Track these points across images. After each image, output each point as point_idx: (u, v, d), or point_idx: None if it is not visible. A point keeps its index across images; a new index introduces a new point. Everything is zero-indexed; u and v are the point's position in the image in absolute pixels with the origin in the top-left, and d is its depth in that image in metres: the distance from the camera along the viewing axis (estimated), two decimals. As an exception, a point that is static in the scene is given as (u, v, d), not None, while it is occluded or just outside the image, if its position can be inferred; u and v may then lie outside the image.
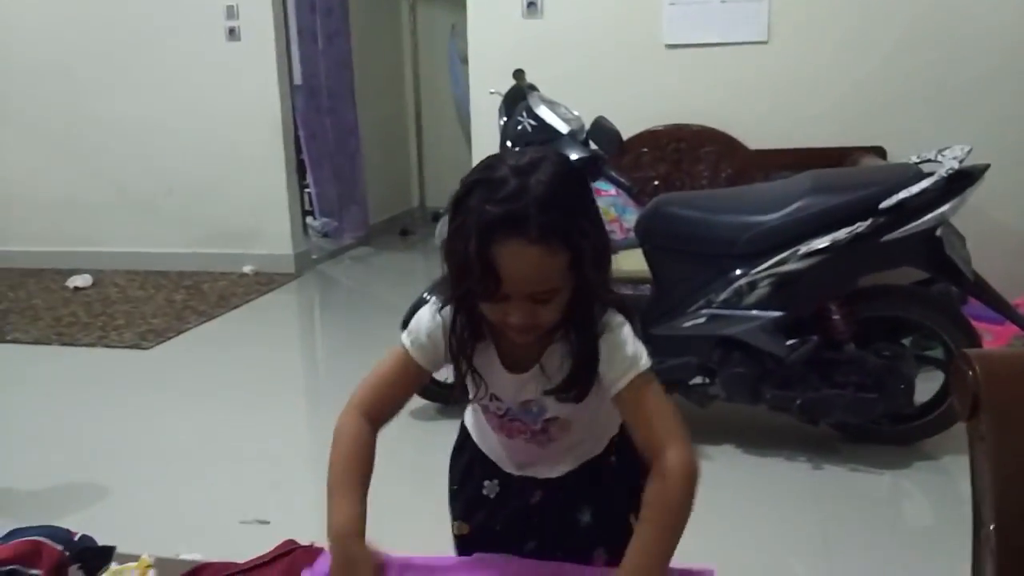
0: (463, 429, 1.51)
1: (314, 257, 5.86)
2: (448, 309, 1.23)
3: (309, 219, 6.16)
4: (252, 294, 5.10)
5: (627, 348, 1.20)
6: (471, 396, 1.31)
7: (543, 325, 1.16)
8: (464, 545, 1.45)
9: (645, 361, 1.20)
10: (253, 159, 5.46)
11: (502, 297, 1.12)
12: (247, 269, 5.53)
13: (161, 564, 1.40)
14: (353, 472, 1.23)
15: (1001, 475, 1.16)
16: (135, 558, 1.41)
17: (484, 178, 1.12)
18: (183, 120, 5.48)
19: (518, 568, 1.21)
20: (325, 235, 6.22)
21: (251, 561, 1.33)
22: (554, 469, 1.38)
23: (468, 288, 1.13)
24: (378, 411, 1.28)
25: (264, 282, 5.34)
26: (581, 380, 1.21)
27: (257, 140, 5.42)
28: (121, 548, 1.40)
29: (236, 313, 4.80)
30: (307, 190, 6.12)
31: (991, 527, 1.17)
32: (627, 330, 1.21)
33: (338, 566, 1.14)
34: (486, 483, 1.43)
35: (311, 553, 1.37)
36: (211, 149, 5.49)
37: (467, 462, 1.48)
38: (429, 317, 1.25)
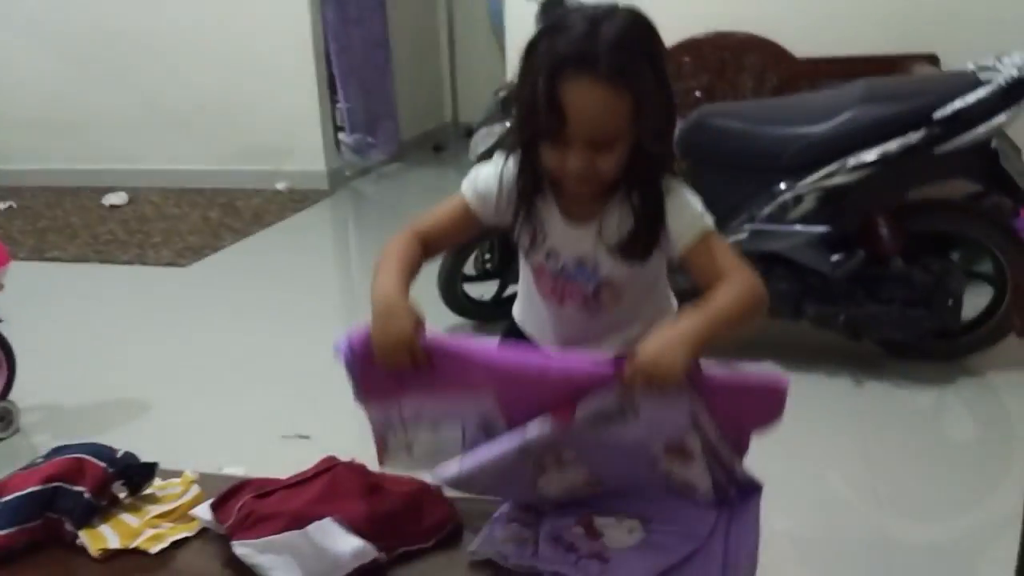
0: (510, 322, 1.51)
1: (347, 174, 5.82)
2: (511, 161, 1.27)
3: (341, 135, 6.09)
4: (286, 211, 5.08)
5: (696, 205, 1.24)
6: (528, 250, 1.32)
7: (601, 175, 1.18)
8: None
9: (711, 219, 1.25)
10: (284, 74, 5.38)
11: (564, 141, 1.14)
12: (281, 186, 5.50)
13: (204, 480, 1.41)
14: (400, 261, 1.26)
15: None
16: (178, 474, 1.43)
17: (555, 24, 1.15)
18: (213, 35, 5.39)
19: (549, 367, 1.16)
20: (358, 151, 6.16)
21: (293, 477, 1.34)
22: (602, 348, 1.33)
23: (533, 129, 1.17)
24: (429, 238, 1.32)
25: (298, 199, 5.31)
26: (643, 237, 1.24)
27: (288, 54, 5.33)
28: (164, 464, 1.41)
29: (271, 231, 4.79)
30: (339, 105, 6.03)
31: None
32: (690, 191, 1.26)
33: (378, 315, 1.18)
34: None
35: (352, 468, 1.37)
36: (241, 64, 5.41)
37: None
38: (490, 169, 1.30)
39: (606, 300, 1.32)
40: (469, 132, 3.18)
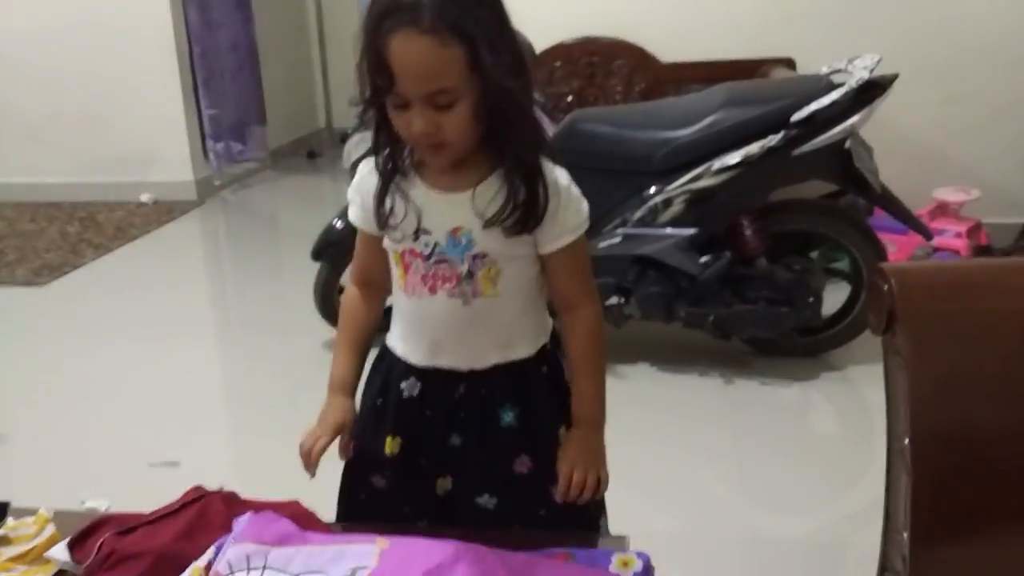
0: (381, 348, 1.41)
1: (217, 183, 5.62)
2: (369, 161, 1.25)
3: (209, 143, 5.89)
4: (152, 224, 4.88)
5: (582, 209, 1.24)
6: (399, 239, 1.25)
7: (449, 138, 1.14)
8: (396, 463, 1.33)
9: (585, 220, 1.25)
10: (146, 79, 5.15)
11: (403, 102, 1.11)
12: (145, 198, 5.26)
13: (60, 517, 1.33)
14: (345, 332, 1.34)
15: (916, 389, 1.17)
16: (32, 512, 1.34)
17: None
18: (67, 37, 5.11)
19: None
20: (226, 159, 5.96)
21: (158, 511, 1.27)
22: (477, 357, 1.28)
23: (373, 93, 1.13)
24: (364, 276, 1.35)
25: (164, 211, 5.10)
26: (520, 210, 1.18)
27: (149, 58, 5.11)
28: (17, 502, 1.32)
29: (136, 245, 4.59)
30: (205, 111, 5.83)
31: (905, 441, 1.18)
32: (577, 189, 1.25)
33: (321, 412, 1.29)
34: (404, 384, 1.32)
35: (222, 498, 1.31)
36: (100, 69, 5.15)
37: (385, 370, 1.37)
38: (362, 175, 1.28)
39: (481, 281, 1.23)
40: (344, 138, 3.12)
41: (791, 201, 2.86)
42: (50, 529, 1.30)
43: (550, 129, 3.33)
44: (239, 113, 5.94)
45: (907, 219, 2.81)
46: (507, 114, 1.15)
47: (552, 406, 1.30)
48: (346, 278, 1.38)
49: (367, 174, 1.27)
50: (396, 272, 1.30)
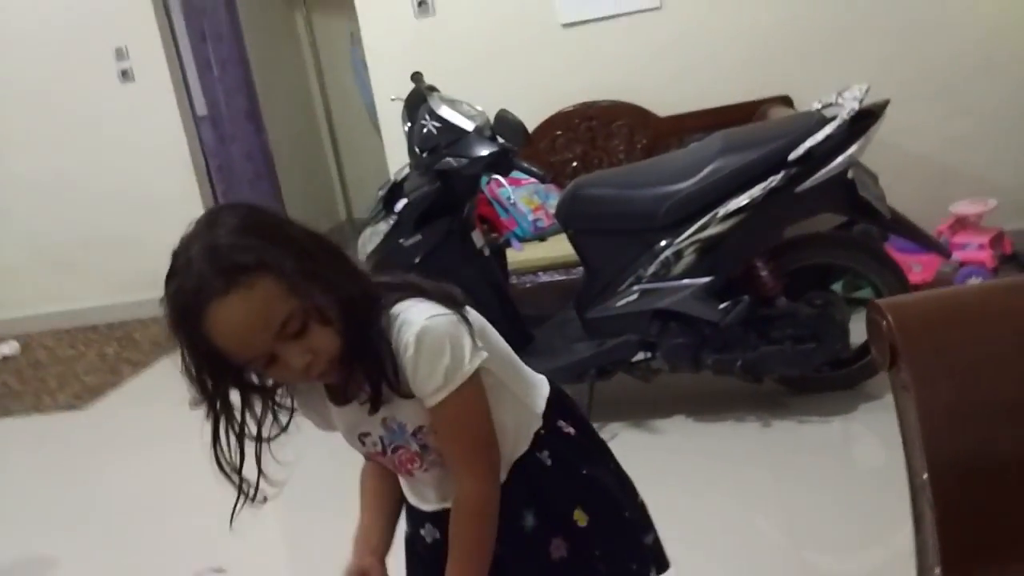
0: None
1: (246, 288, 5.74)
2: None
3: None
4: (187, 335, 4.97)
5: (440, 366, 1.12)
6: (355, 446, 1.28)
7: (328, 355, 1.11)
8: None
9: (453, 374, 1.13)
10: (167, 198, 5.30)
11: (267, 361, 1.08)
12: (179, 310, 5.39)
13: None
14: (364, 497, 1.37)
15: (927, 422, 1.16)
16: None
17: (165, 284, 1.10)
18: (89, 169, 5.29)
19: None
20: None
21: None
22: None
23: (234, 376, 1.11)
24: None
25: (198, 321, 5.20)
26: (375, 386, 1.14)
27: (169, 178, 5.26)
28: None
29: (173, 359, 4.64)
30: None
31: (924, 476, 1.16)
32: (436, 332, 1.12)
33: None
34: (423, 531, 1.36)
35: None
36: (123, 195, 5.31)
37: (409, 517, 1.40)
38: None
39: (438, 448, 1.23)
40: (363, 228, 3.19)
41: (804, 236, 2.85)
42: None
43: (555, 197, 3.38)
44: (260, 216, 6.09)
45: (921, 240, 2.79)
46: (341, 298, 1.11)
47: (563, 492, 1.29)
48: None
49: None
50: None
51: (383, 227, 3.03)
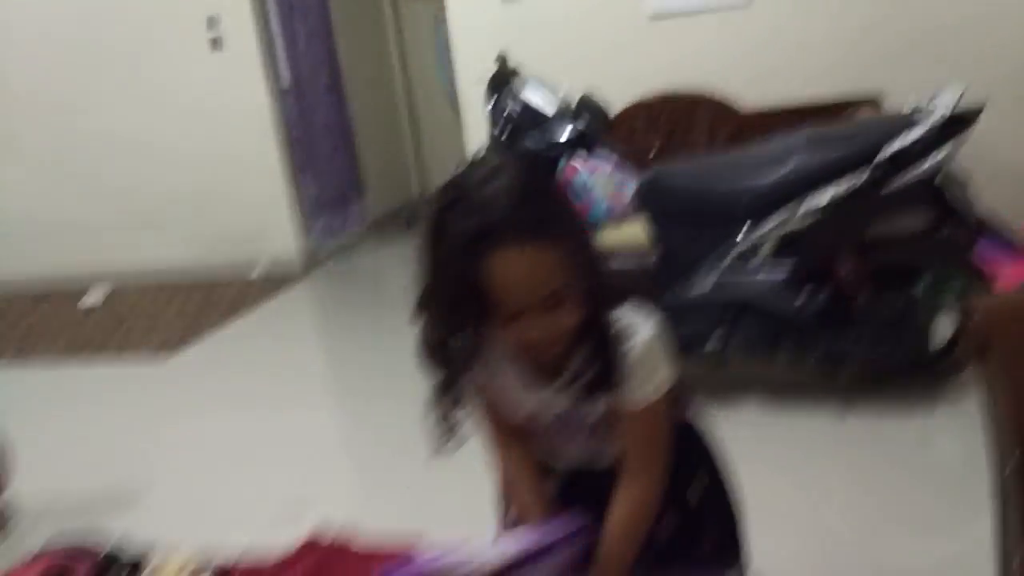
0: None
1: (320, 256, 5.89)
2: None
3: (311, 218, 6.18)
4: (263, 298, 5.13)
5: (658, 375, 1.19)
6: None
7: (565, 332, 1.12)
8: None
9: (662, 386, 1.20)
10: (249, 164, 5.48)
11: (513, 316, 1.08)
12: (256, 273, 5.56)
13: (196, 561, 1.45)
14: (521, 481, 1.34)
15: (1016, 419, 1.19)
16: (170, 560, 1.46)
17: (445, 205, 1.09)
18: (176, 132, 5.49)
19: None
20: (328, 233, 6.23)
21: (277, 562, 1.38)
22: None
23: (471, 320, 1.11)
24: (504, 437, 1.35)
25: (274, 285, 5.37)
26: (603, 384, 1.17)
27: (251, 145, 5.44)
28: (156, 550, 1.45)
29: (249, 318, 4.83)
30: (309, 186, 6.13)
31: (1007, 470, 1.19)
32: (658, 342, 1.19)
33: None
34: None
35: (334, 549, 1.42)
36: (207, 158, 5.51)
37: None
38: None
39: (612, 423, 1.27)
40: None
41: (888, 236, 2.81)
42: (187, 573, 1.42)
43: (632, 185, 3.41)
44: (338, 188, 6.24)
45: (1010, 246, 2.76)
46: (597, 286, 1.14)
47: (682, 465, 1.33)
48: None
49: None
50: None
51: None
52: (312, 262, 5.73)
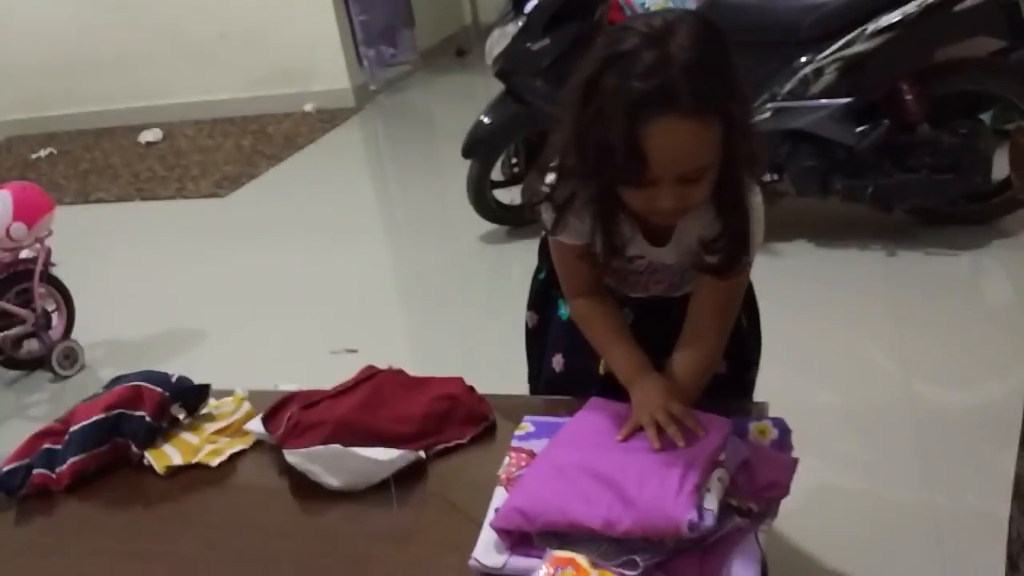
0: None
1: (373, 88, 5.82)
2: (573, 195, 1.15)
3: (362, 49, 6.06)
4: (317, 132, 5.13)
5: (758, 238, 1.17)
6: (607, 261, 1.23)
7: (693, 206, 1.10)
8: (606, 381, 1.38)
9: (759, 247, 1.19)
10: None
11: (649, 182, 1.04)
12: (309, 107, 5.53)
13: (254, 397, 1.51)
14: (608, 333, 1.30)
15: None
16: (230, 393, 1.53)
17: (615, 53, 1.01)
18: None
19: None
20: (380, 64, 6.12)
21: (337, 387, 1.42)
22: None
23: (612, 176, 1.05)
24: (585, 287, 1.32)
25: (327, 119, 5.34)
26: (734, 258, 1.16)
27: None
28: (216, 385, 1.51)
29: (304, 153, 4.85)
30: (357, 19, 5.98)
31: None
32: (761, 214, 1.17)
33: (638, 399, 1.20)
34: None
35: (392, 375, 1.45)
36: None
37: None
38: (556, 207, 1.19)
39: (690, 276, 1.29)
40: (491, 31, 3.16)
41: (955, 61, 2.67)
42: (246, 406, 1.48)
43: (692, 3, 3.24)
44: (388, 18, 6.07)
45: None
46: (740, 170, 1.10)
47: None
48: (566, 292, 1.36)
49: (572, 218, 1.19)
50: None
51: (511, 29, 3.00)
52: (364, 95, 5.67)
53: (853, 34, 2.55)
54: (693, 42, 0.99)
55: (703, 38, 1.01)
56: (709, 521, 0.99)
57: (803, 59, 2.64)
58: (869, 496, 1.86)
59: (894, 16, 2.49)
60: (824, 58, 2.60)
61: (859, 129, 2.63)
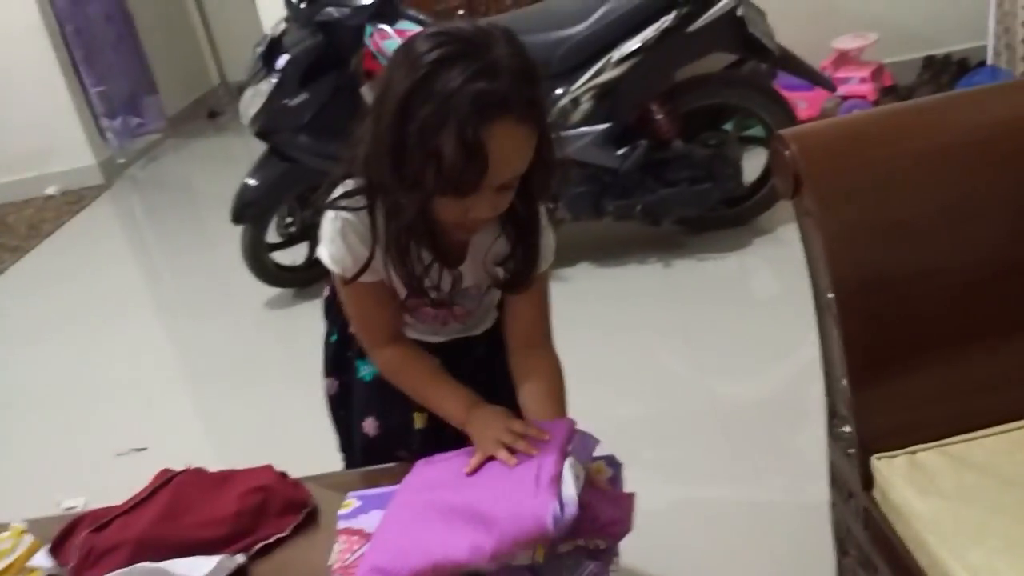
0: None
1: (121, 161, 5.45)
2: (362, 215, 1.14)
3: (104, 121, 5.67)
4: (64, 216, 4.73)
5: (552, 241, 1.23)
6: (407, 297, 1.22)
7: (497, 214, 1.12)
8: (425, 435, 1.37)
9: (553, 248, 1.24)
10: (24, 69, 4.91)
11: (473, 189, 1.03)
12: (51, 190, 5.08)
13: (35, 525, 1.34)
14: (424, 374, 1.28)
15: (831, 245, 1.22)
16: (6, 527, 1.34)
17: (439, 59, 0.99)
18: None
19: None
20: (125, 135, 5.75)
21: (130, 500, 1.29)
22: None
23: (440, 186, 1.02)
24: (388, 335, 1.28)
25: (73, 200, 4.94)
26: (531, 267, 1.20)
27: (22, 48, 4.85)
28: (-14, 524, 1.33)
29: (52, 240, 4.45)
30: (93, 90, 5.59)
31: (829, 295, 1.24)
32: (547, 219, 1.22)
33: (478, 432, 1.16)
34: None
35: (190, 476, 1.33)
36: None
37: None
38: (341, 241, 1.16)
39: (488, 303, 1.33)
40: (241, 90, 3.05)
41: (695, 78, 2.87)
42: (27, 539, 1.31)
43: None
44: (128, 85, 5.71)
45: (809, 75, 2.86)
46: (540, 182, 1.13)
47: None
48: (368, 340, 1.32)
49: (357, 241, 1.16)
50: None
51: (265, 87, 2.90)
52: (113, 170, 5.30)
53: (601, 63, 2.67)
54: (516, 49, 1.02)
55: (520, 47, 1.04)
56: (571, 510, 0.99)
57: (559, 91, 2.73)
58: (689, 499, 1.93)
59: (635, 43, 2.63)
60: (578, 88, 2.71)
61: (620, 152, 2.76)
